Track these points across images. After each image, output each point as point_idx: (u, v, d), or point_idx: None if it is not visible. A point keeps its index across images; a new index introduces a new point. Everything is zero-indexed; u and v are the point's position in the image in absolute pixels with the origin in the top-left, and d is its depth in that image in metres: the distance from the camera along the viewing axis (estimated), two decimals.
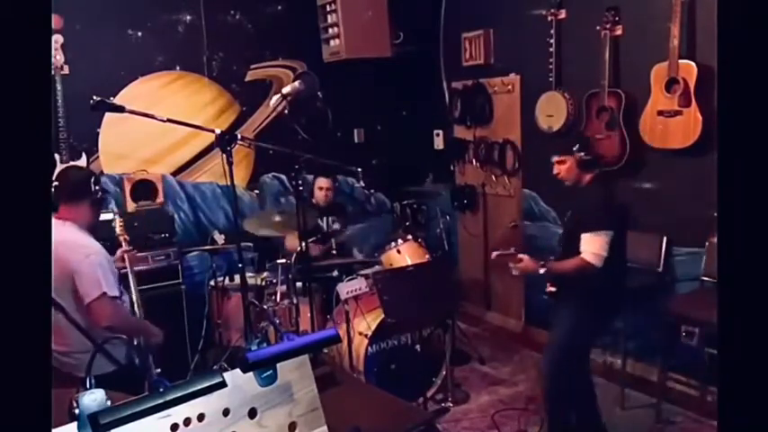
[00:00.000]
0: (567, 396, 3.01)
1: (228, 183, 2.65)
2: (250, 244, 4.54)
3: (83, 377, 2.41)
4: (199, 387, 1.19)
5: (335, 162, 3.67)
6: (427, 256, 3.86)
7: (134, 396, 1.33)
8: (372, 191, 5.35)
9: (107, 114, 4.11)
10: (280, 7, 4.86)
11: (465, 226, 5.29)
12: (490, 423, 3.48)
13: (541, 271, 2.85)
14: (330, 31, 4.85)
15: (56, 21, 3.80)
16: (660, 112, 3.44)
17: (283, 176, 4.87)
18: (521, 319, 4.87)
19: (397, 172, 5.28)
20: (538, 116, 4.30)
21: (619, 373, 3.75)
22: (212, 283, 4.15)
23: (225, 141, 2.62)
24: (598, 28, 3.73)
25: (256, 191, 4.85)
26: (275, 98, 3.22)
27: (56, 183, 2.64)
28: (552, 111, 4.19)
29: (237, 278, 3.60)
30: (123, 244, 2.97)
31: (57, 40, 3.82)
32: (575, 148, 2.89)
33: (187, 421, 1.21)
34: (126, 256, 2.89)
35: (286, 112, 3.30)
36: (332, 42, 4.87)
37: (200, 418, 1.23)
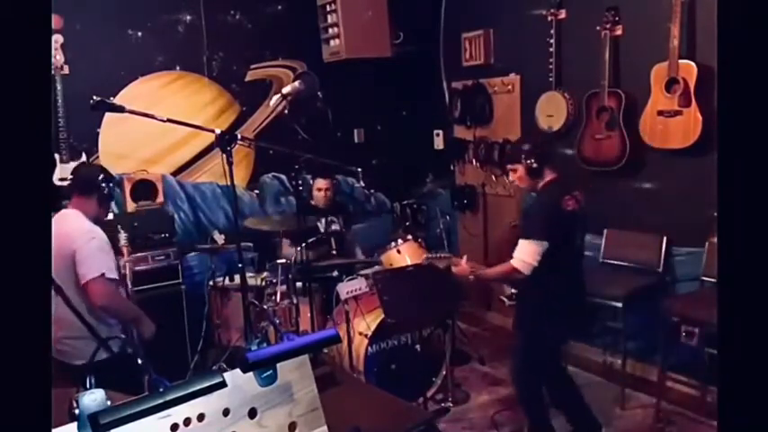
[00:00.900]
0: (539, 396, 3.06)
1: (228, 183, 2.66)
2: (250, 244, 4.54)
3: (75, 365, 2.44)
4: (199, 387, 1.18)
5: (335, 162, 3.67)
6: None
7: (125, 389, 1.33)
8: (372, 191, 5.35)
9: (107, 114, 4.11)
10: (280, 7, 4.86)
11: (465, 226, 5.29)
12: (490, 423, 3.48)
13: (471, 278, 2.94)
14: (330, 31, 4.85)
15: (56, 21, 3.80)
16: (660, 112, 3.44)
17: (283, 176, 4.87)
18: None
19: (397, 172, 5.28)
20: (538, 116, 4.30)
21: (619, 373, 3.75)
22: (212, 283, 4.15)
23: (225, 141, 2.63)
24: (598, 28, 3.73)
25: (256, 191, 4.85)
26: (275, 98, 3.22)
27: (70, 177, 2.92)
28: (552, 111, 4.19)
29: (237, 278, 3.60)
30: (125, 254, 3.04)
31: (57, 40, 3.82)
32: (523, 156, 2.89)
33: (187, 421, 1.21)
34: (127, 266, 3.01)
35: (286, 112, 3.31)
36: (332, 42, 4.87)
37: (201, 418, 1.23)
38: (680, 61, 3.31)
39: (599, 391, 3.68)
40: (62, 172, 3.78)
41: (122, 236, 3.10)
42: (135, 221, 3.99)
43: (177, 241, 4.19)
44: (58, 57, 3.81)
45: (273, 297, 3.83)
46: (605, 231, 3.95)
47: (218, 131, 2.68)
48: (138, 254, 3.90)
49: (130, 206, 4.16)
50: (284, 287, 3.83)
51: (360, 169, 3.62)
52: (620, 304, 3.51)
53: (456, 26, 5.02)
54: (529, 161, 2.88)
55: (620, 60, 3.74)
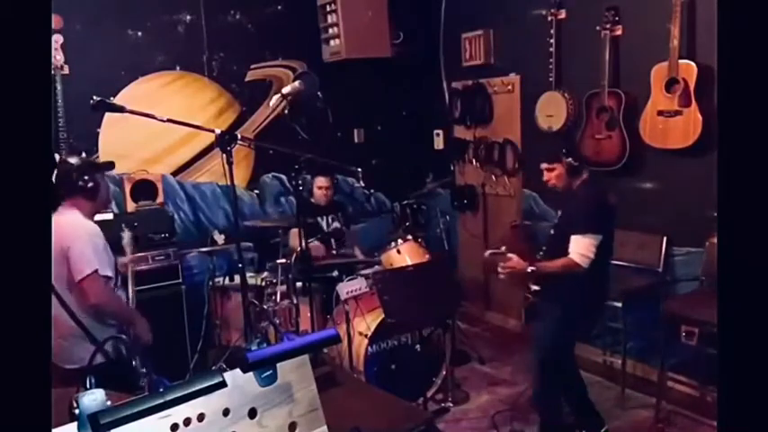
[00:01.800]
0: (556, 394, 3.09)
1: (228, 183, 2.65)
2: (250, 244, 4.55)
3: (66, 368, 2.42)
4: (199, 387, 1.18)
5: (335, 162, 3.67)
6: (427, 256, 3.86)
7: (121, 392, 1.32)
8: (372, 191, 5.35)
9: (107, 114, 4.11)
10: (280, 7, 4.86)
11: (465, 226, 5.29)
12: (490, 423, 3.48)
13: (529, 270, 2.90)
14: (330, 31, 4.85)
15: (56, 21, 3.80)
16: (660, 112, 3.44)
17: (283, 176, 4.87)
18: (521, 319, 4.87)
19: (397, 172, 5.29)
20: (538, 116, 4.30)
21: (619, 373, 3.75)
22: (212, 283, 4.15)
23: (225, 141, 2.62)
24: (598, 28, 3.74)
25: (256, 191, 4.85)
26: (275, 98, 3.22)
27: (56, 174, 2.73)
28: (552, 111, 4.19)
29: (237, 278, 3.60)
30: (128, 253, 3.01)
31: (57, 40, 3.82)
32: (564, 154, 2.93)
33: (187, 421, 1.21)
34: (129, 267, 2.94)
35: (286, 112, 3.30)
36: (332, 42, 4.87)
37: (201, 418, 1.23)
38: (680, 61, 3.31)
39: (599, 391, 3.68)
40: None
41: (126, 234, 3.07)
42: (135, 221, 3.98)
43: (177, 241, 4.19)
44: (58, 57, 3.81)
45: (273, 297, 3.83)
46: None
47: (218, 131, 2.67)
48: (138, 254, 3.90)
49: (130, 206, 4.17)
50: (284, 287, 3.84)
51: (360, 169, 3.61)
52: (619, 304, 3.52)
53: (456, 26, 5.02)
54: (569, 159, 2.91)
55: (620, 60, 3.75)
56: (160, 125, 2.79)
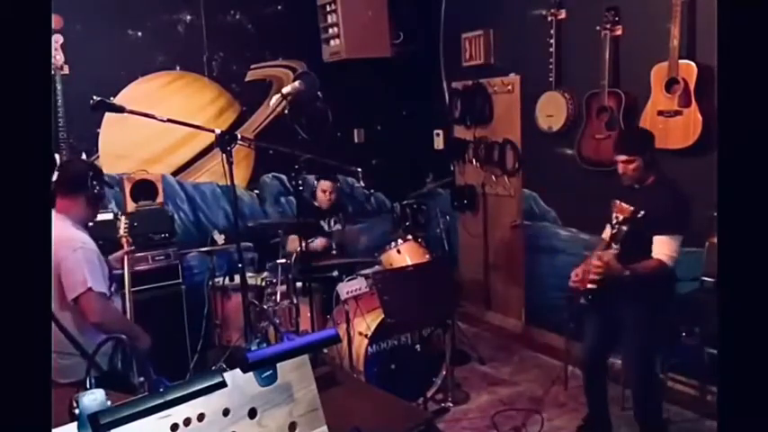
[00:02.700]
0: (648, 395, 3.02)
1: (228, 183, 2.65)
2: (250, 244, 4.55)
3: (61, 383, 2.38)
4: (199, 387, 1.18)
5: (335, 162, 3.67)
6: (427, 256, 3.86)
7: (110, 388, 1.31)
8: (372, 191, 5.35)
9: (107, 114, 4.11)
10: (280, 7, 4.86)
11: (465, 226, 5.29)
12: (490, 423, 3.48)
13: (627, 273, 2.77)
14: (330, 31, 4.85)
15: (56, 21, 3.80)
16: (660, 112, 3.44)
17: (283, 176, 4.87)
18: (521, 319, 4.87)
19: (397, 172, 5.29)
20: (538, 116, 4.30)
21: (619, 373, 3.75)
22: (212, 283, 4.15)
23: (225, 141, 2.62)
24: (598, 28, 3.73)
25: (256, 191, 4.85)
26: (275, 98, 3.22)
27: (56, 174, 2.60)
28: (552, 111, 4.19)
29: (237, 278, 3.60)
30: (125, 245, 2.94)
31: (57, 40, 3.82)
32: (645, 147, 2.83)
33: (187, 421, 1.21)
34: (126, 258, 2.86)
35: (286, 112, 3.30)
36: (332, 42, 4.87)
37: (201, 418, 1.23)
38: (680, 61, 3.30)
39: None
40: None
41: (122, 223, 2.99)
42: (135, 221, 3.98)
43: (177, 241, 4.19)
44: (58, 57, 3.80)
45: (273, 297, 3.84)
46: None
47: (218, 131, 2.68)
48: (138, 254, 3.90)
49: (130, 206, 4.16)
50: (284, 287, 3.84)
51: (360, 169, 3.62)
52: None
53: (456, 26, 5.02)
54: (648, 153, 2.83)
55: (620, 60, 3.74)
56: (160, 125, 2.79)
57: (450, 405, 3.68)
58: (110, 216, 3.96)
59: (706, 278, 3.41)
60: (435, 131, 5.44)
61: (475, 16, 4.83)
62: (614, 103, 3.71)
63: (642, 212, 2.76)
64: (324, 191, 4.36)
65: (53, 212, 2.52)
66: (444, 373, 3.72)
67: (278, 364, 1.34)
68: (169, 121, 2.71)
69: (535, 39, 4.25)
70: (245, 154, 4.74)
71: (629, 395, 3.63)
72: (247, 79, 4.75)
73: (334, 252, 4.22)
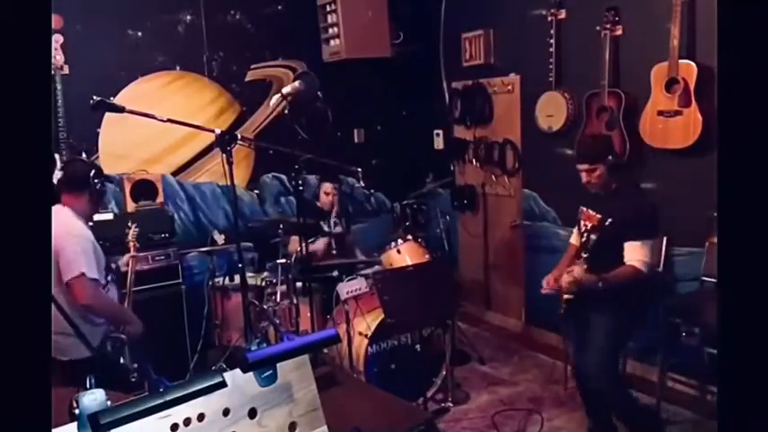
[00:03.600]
0: (614, 387, 3.01)
1: (228, 183, 2.65)
2: (250, 244, 4.55)
3: (63, 360, 2.43)
4: (199, 387, 1.19)
5: (335, 162, 3.67)
6: (427, 256, 3.86)
7: (113, 388, 1.32)
8: (372, 191, 5.35)
9: (107, 114, 4.11)
10: (280, 7, 4.86)
11: (465, 226, 5.29)
12: (490, 423, 3.48)
13: (600, 284, 2.76)
14: (330, 31, 4.85)
15: (56, 21, 3.80)
16: (660, 112, 3.44)
17: (283, 176, 4.88)
18: (521, 319, 4.87)
19: (397, 172, 5.29)
20: (538, 116, 4.30)
21: (619, 373, 3.75)
22: (212, 283, 4.15)
23: (225, 141, 2.63)
24: (598, 28, 3.73)
25: (256, 191, 4.85)
26: (275, 98, 3.22)
27: (61, 172, 2.85)
28: (552, 111, 4.19)
29: (237, 278, 3.60)
30: (131, 250, 3.03)
31: (57, 40, 3.82)
32: (606, 155, 2.82)
33: (187, 421, 1.21)
34: (131, 262, 2.95)
35: (286, 112, 3.30)
36: (332, 42, 4.87)
37: (201, 418, 1.23)
38: (680, 61, 3.30)
39: None
40: None
41: (131, 231, 3.11)
42: (135, 221, 3.98)
43: (177, 241, 4.19)
44: (58, 57, 3.81)
45: (273, 297, 3.84)
46: None
47: (218, 131, 2.68)
48: (139, 254, 3.90)
49: (130, 206, 4.17)
50: (284, 287, 3.84)
51: (360, 169, 3.62)
52: None
53: (456, 26, 5.02)
54: (610, 159, 2.82)
55: (620, 60, 3.74)
56: (160, 125, 2.80)
57: (450, 405, 3.68)
58: (110, 216, 3.97)
59: (706, 278, 3.41)
60: (435, 131, 5.44)
61: (475, 16, 4.83)
62: (614, 103, 3.71)
63: (610, 220, 2.77)
64: (327, 193, 4.36)
65: (59, 205, 2.70)
66: (444, 373, 3.72)
67: (278, 364, 1.34)
68: (169, 121, 2.72)
69: (535, 39, 4.25)
70: (245, 154, 4.74)
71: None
72: (247, 79, 4.75)
73: (334, 252, 4.22)
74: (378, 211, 5.43)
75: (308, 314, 3.59)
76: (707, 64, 3.24)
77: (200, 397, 1.19)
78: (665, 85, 3.38)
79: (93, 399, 1.14)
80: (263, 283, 4.00)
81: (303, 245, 3.27)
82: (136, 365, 2.67)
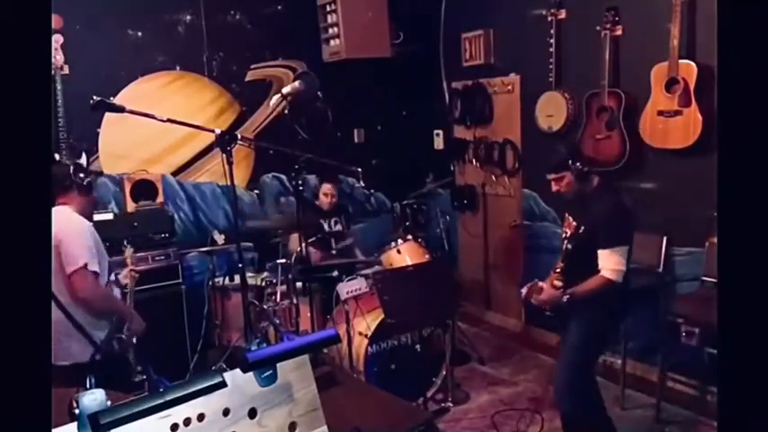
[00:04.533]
0: (581, 404, 2.93)
1: (228, 183, 2.65)
2: (250, 244, 4.55)
3: (59, 365, 2.42)
4: (199, 387, 1.19)
5: (335, 162, 3.67)
6: (427, 256, 3.86)
7: (115, 388, 1.32)
8: (372, 191, 5.35)
9: (107, 114, 4.11)
10: (280, 7, 4.86)
11: (465, 226, 5.29)
12: (490, 423, 3.48)
13: (565, 299, 2.74)
14: (330, 31, 4.85)
15: (56, 21, 3.80)
16: (660, 112, 3.44)
17: (283, 176, 4.87)
18: (521, 319, 4.87)
19: (397, 172, 5.29)
20: (538, 116, 4.30)
21: (619, 373, 3.75)
22: (212, 283, 4.15)
23: (225, 141, 2.62)
24: (598, 28, 3.73)
25: (256, 191, 4.85)
26: (275, 98, 3.22)
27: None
28: (552, 111, 4.19)
29: (237, 278, 3.60)
30: (130, 265, 3.03)
31: (57, 40, 3.82)
32: (570, 161, 2.79)
33: (187, 421, 1.21)
34: (130, 275, 2.96)
35: (286, 112, 3.30)
36: (332, 42, 4.87)
37: (201, 418, 1.23)
38: (680, 61, 3.30)
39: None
40: None
41: (128, 250, 3.11)
42: (135, 221, 3.99)
43: (177, 241, 4.19)
44: (58, 57, 3.80)
45: (273, 297, 3.84)
46: None
47: (218, 131, 2.68)
48: (138, 254, 3.90)
49: (130, 206, 4.16)
50: (284, 287, 3.84)
51: (360, 169, 3.62)
52: None
53: (456, 26, 5.02)
54: (577, 165, 2.78)
55: (620, 60, 3.74)
56: (160, 125, 2.79)
57: (450, 405, 3.68)
58: (110, 216, 3.97)
59: (706, 278, 3.41)
60: (435, 131, 5.44)
61: (475, 16, 4.83)
62: (614, 103, 3.71)
63: (582, 227, 2.73)
64: (326, 194, 4.36)
65: (58, 206, 2.65)
66: (444, 373, 3.72)
67: (278, 364, 1.34)
68: (169, 121, 2.71)
69: (535, 39, 4.25)
70: (245, 154, 4.74)
71: (628, 395, 3.64)
72: (247, 79, 4.75)
73: (334, 252, 4.22)
74: (378, 211, 5.43)
75: (308, 314, 3.59)
76: (707, 64, 3.25)
77: (200, 397, 1.19)
78: (665, 85, 3.39)
79: (93, 399, 1.14)
80: (263, 283, 4.00)
81: (303, 245, 3.27)
82: (139, 368, 2.65)
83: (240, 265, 2.81)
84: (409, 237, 3.90)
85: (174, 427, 1.20)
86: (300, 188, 3.29)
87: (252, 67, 4.76)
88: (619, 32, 3.72)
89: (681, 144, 3.39)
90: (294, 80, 4.57)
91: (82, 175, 2.74)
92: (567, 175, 2.80)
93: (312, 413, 1.40)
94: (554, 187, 2.88)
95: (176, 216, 4.41)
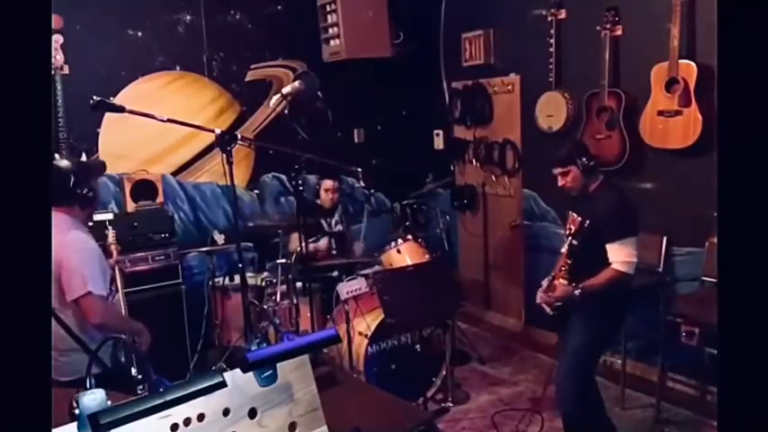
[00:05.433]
0: (583, 405, 2.93)
1: (228, 183, 2.65)
2: (250, 244, 4.55)
3: (62, 381, 2.39)
4: (199, 387, 1.18)
5: (335, 162, 3.67)
6: (427, 256, 3.86)
7: (108, 386, 1.31)
8: (372, 191, 5.35)
9: (107, 114, 4.11)
10: (280, 7, 4.86)
11: (465, 226, 5.29)
12: (490, 423, 3.48)
13: (577, 293, 2.74)
14: (330, 31, 4.85)
15: (56, 21, 3.80)
16: (660, 112, 3.44)
17: (283, 176, 4.87)
18: (521, 319, 4.87)
19: (397, 172, 5.29)
20: (538, 116, 4.30)
21: (619, 373, 3.75)
22: (212, 283, 4.15)
23: (225, 141, 2.62)
24: (598, 28, 3.73)
25: (256, 191, 4.85)
26: (275, 98, 3.22)
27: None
28: (552, 111, 4.19)
29: (237, 278, 3.60)
30: (114, 253, 2.92)
31: (57, 40, 3.82)
32: (577, 155, 2.81)
33: (187, 421, 1.21)
34: (117, 267, 2.86)
35: (286, 112, 3.30)
36: (332, 42, 4.87)
37: (201, 418, 1.23)
38: (680, 61, 3.30)
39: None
40: None
41: (110, 233, 2.99)
42: (135, 221, 3.99)
43: (177, 241, 4.19)
44: (58, 57, 3.80)
45: (273, 297, 3.84)
46: None
47: (218, 131, 2.67)
48: (138, 254, 3.90)
49: (130, 206, 4.16)
50: (284, 287, 3.84)
51: (360, 169, 3.62)
52: None
53: (456, 26, 5.02)
54: (583, 160, 2.80)
55: (620, 60, 3.74)
56: (160, 125, 2.79)
57: (450, 405, 3.68)
58: (110, 216, 3.97)
59: (706, 278, 3.41)
60: (435, 131, 5.44)
61: (475, 16, 4.83)
62: (614, 103, 3.71)
63: (587, 222, 2.72)
64: (327, 190, 4.37)
65: (56, 213, 2.49)
66: (444, 373, 3.72)
67: (278, 364, 1.34)
68: (169, 121, 2.71)
69: (535, 39, 4.25)
70: (245, 154, 4.74)
71: (628, 395, 3.64)
72: (247, 79, 4.75)
73: (334, 252, 4.22)
74: (378, 211, 5.43)
75: (308, 314, 3.59)
76: (707, 64, 3.25)
77: (200, 397, 1.19)
78: (665, 85, 3.39)
79: (93, 399, 1.14)
80: (263, 283, 4.00)
81: (303, 244, 3.27)
82: (141, 377, 2.59)
83: (240, 265, 2.81)
84: (409, 237, 3.90)
85: (174, 427, 1.20)
86: (300, 188, 3.29)
87: (252, 67, 4.76)
88: (619, 32, 3.72)
89: (681, 144, 3.39)
90: (294, 80, 4.57)
91: (82, 183, 2.52)
92: (573, 170, 2.83)
93: (312, 413, 1.40)
94: (560, 182, 2.89)
95: (176, 216, 4.41)
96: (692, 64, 3.28)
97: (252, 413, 1.30)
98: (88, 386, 1.38)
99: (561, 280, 2.79)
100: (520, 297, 4.84)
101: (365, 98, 5.20)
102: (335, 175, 4.37)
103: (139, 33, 4.34)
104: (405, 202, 4.94)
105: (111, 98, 3.82)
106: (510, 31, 4.60)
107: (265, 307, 3.76)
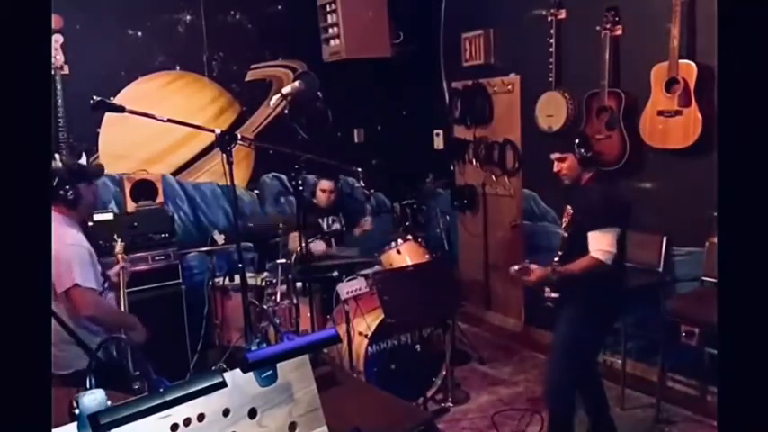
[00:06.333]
0: (572, 402, 2.93)
1: (228, 183, 2.65)
2: (250, 244, 4.54)
3: (60, 374, 2.41)
4: (199, 387, 1.18)
5: (335, 162, 3.67)
6: (427, 256, 3.86)
7: (108, 386, 1.31)
8: (372, 191, 5.35)
9: (107, 114, 4.11)
10: (280, 7, 4.86)
11: (465, 226, 5.29)
12: (490, 423, 3.48)
13: (550, 271, 2.76)
14: (330, 31, 4.85)
15: (56, 21, 3.80)
16: (660, 112, 3.44)
17: (283, 176, 4.87)
18: (521, 319, 4.87)
19: (397, 172, 5.28)
20: (538, 116, 4.30)
21: (619, 373, 3.75)
22: (212, 283, 4.15)
23: (225, 141, 2.62)
24: (598, 28, 3.73)
25: (256, 191, 4.85)
26: (275, 98, 3.22)
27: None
28: (552, 111, 4.19)
29: (237, 278, 3.60)
30: (120, 261, 2.96)
31: (57, 40, 3.82)
32: (576, 144, 2.84)
33: (187, 421, 1.21)
34: (121, 273, 2.90)
35: (286, 112, 3.30)
36: (332, 42, 4.87)
37: (201, 418, 1.23)
38: (680, 61, 3.30)
39: None
40: None
41: (118, 244, 3.05)
42: (135, 221, 3.99)
43: (177, 241, 4.19)
44: (58, 57, 3.80)
45: (273, 297, 3.84)
46: None
47: (218, 131, 2.67)
48: (138, 254, 3.90)
49: (130, 206, 4.16)
50: (284, 287, 3.84)
51: (360, 169, 3.62)
52: None
53: (456, 26, 5.02)
54: (581, 150, 2.83)
55: (620, 60, 3.74)
56: (160, 125, 2.79)
57: (450, 405, 3.68)
58: (110, 216, 3.97)
59: (706, 278, 3.41)
60: (435, 131, 5.44)
61: (475, 16, 4.83)
62: (614, 103, 3.71)
63: (576, 212, 2.77)
64: (323, 190, 4.37)
65: (54, 212, 2.55)
66: (444, 373, 3.72)
67: (278, 364, 1.34)
68: (169, 121, 2.71)
69: (535, 39, 4.25)
70: (245, 154, 4.74)
71: (628, 395, 3.64)
72: (247, 79, 4.75)
73: (333, 252, 4.22)
74: (378, 211, 5.43)
75: (308, 314, 3.59)
76: (707, 64, 3.25)
77: (200, 397, 1.19)
78: (665, 85, 3.39)
79: (93, 399, 1.14)
80: (263, 283, 4.00)
81: (303, 244, 3.27)
82: (137, 373, 2.61)
83: (240, 265, 2.81)
84: (409, 237, 3.90)
85: (174, 427, 1.20)
86: (300, 188, 3.29)
87: (252, 67, 4.76)
88: (619, 32, 3.72)
89: (681, 144, 3.39)
90: (294, 80, 4.57)
91: (66, 186, 2.56)
92: (569, 157, 2.86)
93: (312, 413, 1.40)
94: (555, 167, 2.92)
95: (176, 216, 4.41)
96: (692, 64, 3.28)
97: (252, 413, 1.30)
98: (88, 386, 1.38)
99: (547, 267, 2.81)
100: (520, 297, 4.84)
101: (365, 98, 5.20)
102: (333, 175, 4.37)
103: (139, 33, 4.34)
104: (405, 202, 4.94)
105: (111, 98, 3.82)
106: (510, 31, 4.60)
107: (265, 307, 3.75)
